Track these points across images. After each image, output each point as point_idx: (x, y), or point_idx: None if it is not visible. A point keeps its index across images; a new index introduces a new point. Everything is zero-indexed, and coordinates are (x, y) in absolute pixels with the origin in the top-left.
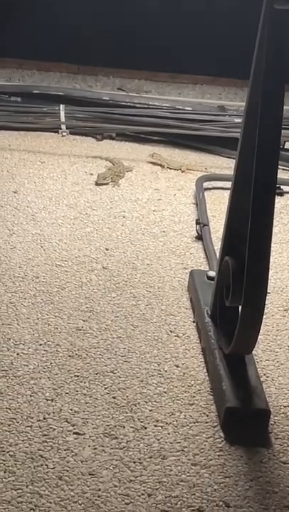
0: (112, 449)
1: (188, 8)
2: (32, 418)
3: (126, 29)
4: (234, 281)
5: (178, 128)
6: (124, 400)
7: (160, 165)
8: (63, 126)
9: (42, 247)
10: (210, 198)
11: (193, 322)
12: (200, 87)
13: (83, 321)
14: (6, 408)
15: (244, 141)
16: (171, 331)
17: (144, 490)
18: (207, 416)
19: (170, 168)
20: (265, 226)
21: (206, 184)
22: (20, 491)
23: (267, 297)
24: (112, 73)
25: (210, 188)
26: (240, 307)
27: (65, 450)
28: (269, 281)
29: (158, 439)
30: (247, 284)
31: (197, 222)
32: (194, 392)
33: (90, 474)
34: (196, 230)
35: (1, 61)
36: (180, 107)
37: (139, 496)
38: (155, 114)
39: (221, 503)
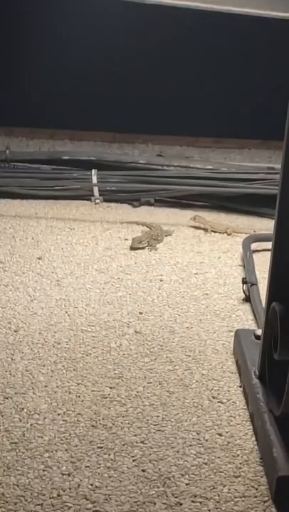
0: None
1: (230, 73)
2: (44, 495)
3: (164, 92)
4: (282, 329)
5: (223, 188)
6: (156, 472)
7: (203, 228)
8: (96, 193)
9: (66, 312)
10: (259, 260)
11: (240, 387)
12: (248, 152)
13: (110, 388)
14: (14, 485)
15: None
16: (213, 397)
17: None
18: (256, 489)
19: (214, 232)
20: None
21: (254, 246)
22: None
23: None
24: (151, 140)
25: (259, 250)
26: None
27: None
28: None
29: None
30: None
31: (244, 282)
32: (240, 463)
33: None
34: (243, 290)
35: (31, 131)
36: (225, 169)
37: None
38: (197, 175)
39: None
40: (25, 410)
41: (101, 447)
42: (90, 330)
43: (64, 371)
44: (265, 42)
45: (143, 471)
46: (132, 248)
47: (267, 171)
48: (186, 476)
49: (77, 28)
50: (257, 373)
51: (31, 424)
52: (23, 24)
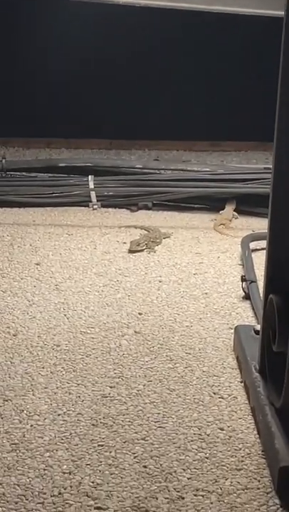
0: None
1: (225, 76)
2: (45, 494)
3: (160, 98)
4: (280, 320)
5: (220, 188)
6: (158, 468)
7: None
8: (93, 198)
9: (65, 315)
10: (258, 259)
11: (241, 382)
12: (244, 154)
13: (110, 387)
14: (14, 484)
15: None
16: (214, 393)
17: None
18: (259, 481)
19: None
20: None
21: (253, 245)
22: None
23: None
24: (148, 145)
25: (258, 249)
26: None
27: None
28: None
29: (198, 510)
30: None
31: (243, 279)
32: (242, 456)
33: None
34: (242, 288)
35: (27, 141)
36: (221, 170)
37: None
38: (194, 177)
39: None
40: (25, 412)
41: (102, 445)
42: (89, 332)
43: (64, 372)
44: (260, 43)
45: (144, 467)
46: (131, 251)
47: (264, 171)
48: (188, 471)
49: (71, 36)
50: (257, 367)
51: (31, 425)
52: (17, 34)
